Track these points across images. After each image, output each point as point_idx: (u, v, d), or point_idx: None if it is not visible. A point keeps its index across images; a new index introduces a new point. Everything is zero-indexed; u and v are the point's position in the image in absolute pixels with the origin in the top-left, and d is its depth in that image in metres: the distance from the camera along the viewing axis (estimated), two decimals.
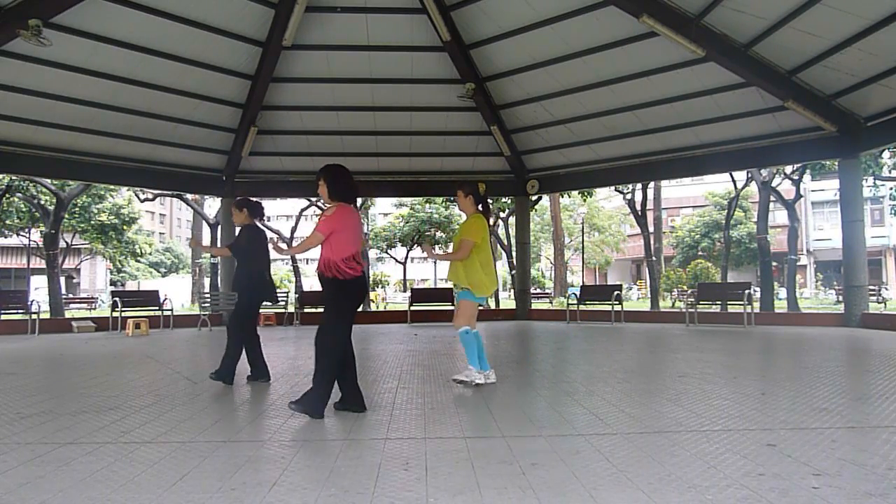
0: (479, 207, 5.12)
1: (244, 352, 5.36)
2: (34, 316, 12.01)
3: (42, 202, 17.50)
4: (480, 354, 5.02)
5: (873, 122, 10.47)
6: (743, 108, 11.37)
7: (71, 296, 31.67)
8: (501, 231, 24.14)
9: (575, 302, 14.31)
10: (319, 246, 4.06)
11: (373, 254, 32.64)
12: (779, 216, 30.49)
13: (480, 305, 5.14)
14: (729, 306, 14.57)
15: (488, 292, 4.99)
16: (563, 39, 11.40)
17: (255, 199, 5.67)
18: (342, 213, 4.05)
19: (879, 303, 19.80)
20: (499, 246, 24.59)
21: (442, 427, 3.52)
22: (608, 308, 13.60)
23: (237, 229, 5.62)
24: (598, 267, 44.01)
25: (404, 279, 33.83)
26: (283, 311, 14.41)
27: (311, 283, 40.00)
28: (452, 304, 14.56)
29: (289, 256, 23.39)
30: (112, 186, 20.66)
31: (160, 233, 60.82)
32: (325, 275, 4.00)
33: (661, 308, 20.62)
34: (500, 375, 5.62)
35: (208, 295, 14.62)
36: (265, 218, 5.80)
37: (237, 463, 2.84)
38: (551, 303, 25.79)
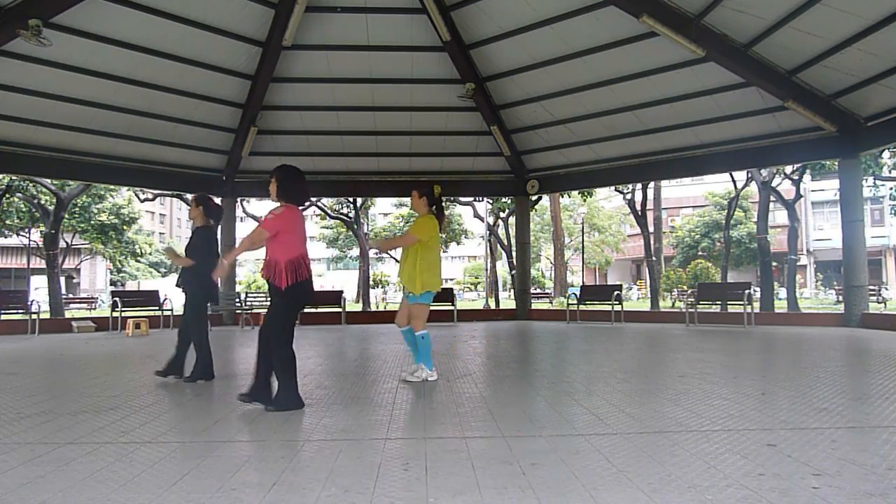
0: (433, 209, 5.22)
1: (181, 345, 5.47)
2: (34, 316, 12.01)
3: (42, 202, 17.50)
4: (413, 350, 5.29)
5: (873, 122, 10.47)
6: (743, 108, 11.36)
7: (71, 296, 31.67)
8: (501, 231, 24.16)
9: (575, 302, 14.31)
10: (264, 247, 4.09)
11: (373, 254, 32.63)
12: (779, 216, 30.49)
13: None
14: (729, 306, 14.58)
15: (437, 288, 5.15)
16: (563, 39, 11.40)
17: (216, 201, 5.68)
18: (289, 213, 4.07)
19: (879, 303, 19.80)
20: (499, 246, 24.62)
21: (442, 427, 3.52)
22: (608, 308, 13.60)
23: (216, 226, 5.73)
24: (598, 267, 44.03)
25: None
26: None
27: None
28: (452, 304, 14.57)
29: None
30: (112, 186, 20.65)
31: (160, 233, 60.83)
32: (269, 278, 4.03)
33: (661, 308, 20.62)
34: (500, 375, 5.62)
35: None
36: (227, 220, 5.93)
37: (237, 463, 2.84)
38: (551, 303, 25.79)
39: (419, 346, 5.21)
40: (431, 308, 5.30)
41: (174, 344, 5.55)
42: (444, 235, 27.40)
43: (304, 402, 4.12)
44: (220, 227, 14.24)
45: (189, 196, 20.09)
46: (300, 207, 4.27)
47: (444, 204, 5.46)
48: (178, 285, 5.52)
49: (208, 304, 5.74)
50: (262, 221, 4.10)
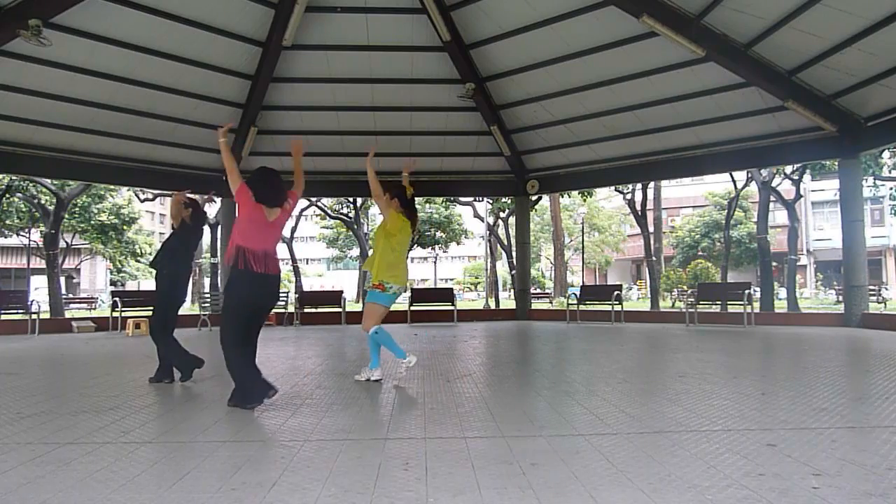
0: (406, 211, 5.22)
1: (157, 349, 5.37)
2: (34, 316, 12.00)
3: (42, 202, 17.51)
4: (376, 351, 5.20)
5: (873, 122, 10.47)
6: (743, 108, 11.36)
7: (71, 296, 31.68)
8: (501, 231, 24.17)
9: (575, 302, 14.31)
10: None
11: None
12: (779, 216, 30.49)
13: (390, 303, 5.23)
14: (729, 306, 14.58)
15: (395, 284, 5.12)
16: (563, 39, 11.40)
17: (204, 209, 5.66)
18: (253, 206, 4.09)
19: (879, 303, 19.81)
20: (499, 246, 24.62)
21: (442, 427, 3.52)
22: (608, 308, 13.60)
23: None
24: (598, 267, 44.04)
25: None
26: (283, 311, 14.41)
27: (311, 283, 40.00)
28: (452, 304, 14.57)
29: (289, 256, 23.42)
30: (112, 186, 20.66)
31: (160, 233, 60.76)
32: (228, 263, 4.07)
33: (661, 308, 20.63)
34: (500, 375, 5.62)
35: (208, 295, 14.62)
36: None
37: (237, 463, 2.84)
38: (551, 303, 25.79)
39: (383, 342, 5.10)
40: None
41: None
42: (443, 235, 27.43)
43: (273, 387, 4.00)
44: (219, 228, 14.01)
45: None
46: (271, 208, 4.18)
47: (416, 205, 5.42)
48: (153, 264, 5.42)
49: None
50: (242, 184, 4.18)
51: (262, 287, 4.09)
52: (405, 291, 5.23)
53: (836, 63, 9.68)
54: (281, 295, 15.04)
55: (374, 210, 34.53)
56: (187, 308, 27.04)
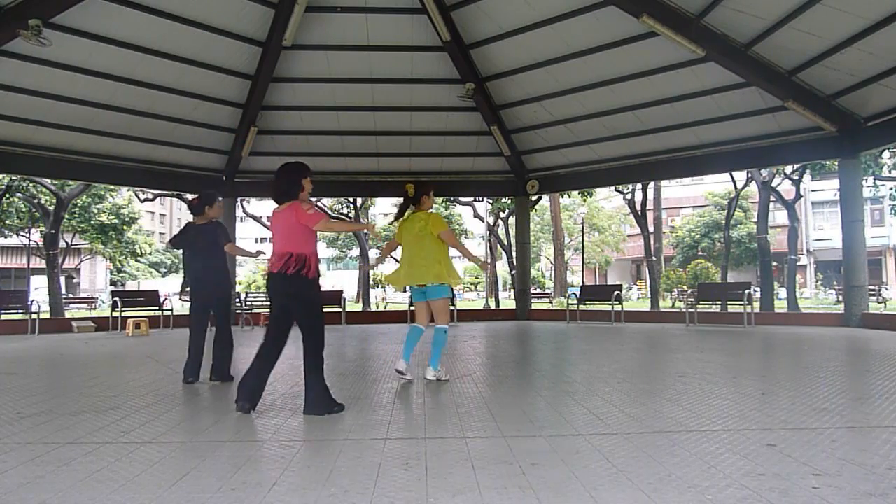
0: (407, 209, 5.34)
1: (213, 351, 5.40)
2: (34, 316, 12.00)
3: (42, 202, 17.50)
4: (436, 350, 5.30)
5: (873, 122, 10.47)
6: (743, 108, 11.36)
7: (71, 296, 31.66)
8: (501, 231, 24.16)
9: (575, 302, 14.31)
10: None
11: (373, 254, 32.65)
12: (779, 216, 30.48)
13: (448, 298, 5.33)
14: (729, 306, 14.57)
15: (402, 281, 5.31)
16: (563, 39, 11.40)
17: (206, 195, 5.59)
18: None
19: (879, 303, 19.79)
20: (499, 246, 24.61)
21: (442, 427, 3.52)
22: (608, 308, 13.60)
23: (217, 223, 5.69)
24: (598, 267, 44.03)
25: None
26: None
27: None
28: (452, 304, 14.57)
29: None
30: (112, 186, 20.65)
31: (160, 233, 60.81)
32: None
33: (661, 308, 20.62)
34: (500, 375, 5.63)
35: None
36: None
37: (237, 463, 2.84)
38: (551, 303, 25.77)
39: (407, 337, 5.30)
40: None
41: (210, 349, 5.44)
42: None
43: (245, 404, 3.94)
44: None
45: (189, 196, 20.15)
46: (280, 204, 4.35)
47: (418, 199, 5.35)
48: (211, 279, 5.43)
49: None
50: None
51: (270, 284, 4.21)
52: (420, 284, 5.18)
53: (836, 63, 9.68)
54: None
55: (374, 210, 34.64)
56: (187, 308, 27.02)
